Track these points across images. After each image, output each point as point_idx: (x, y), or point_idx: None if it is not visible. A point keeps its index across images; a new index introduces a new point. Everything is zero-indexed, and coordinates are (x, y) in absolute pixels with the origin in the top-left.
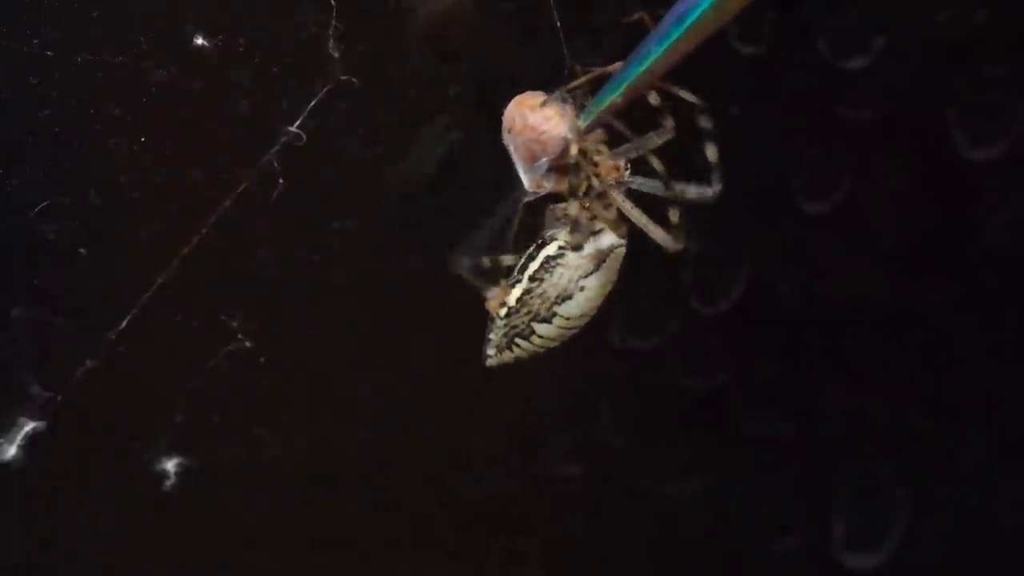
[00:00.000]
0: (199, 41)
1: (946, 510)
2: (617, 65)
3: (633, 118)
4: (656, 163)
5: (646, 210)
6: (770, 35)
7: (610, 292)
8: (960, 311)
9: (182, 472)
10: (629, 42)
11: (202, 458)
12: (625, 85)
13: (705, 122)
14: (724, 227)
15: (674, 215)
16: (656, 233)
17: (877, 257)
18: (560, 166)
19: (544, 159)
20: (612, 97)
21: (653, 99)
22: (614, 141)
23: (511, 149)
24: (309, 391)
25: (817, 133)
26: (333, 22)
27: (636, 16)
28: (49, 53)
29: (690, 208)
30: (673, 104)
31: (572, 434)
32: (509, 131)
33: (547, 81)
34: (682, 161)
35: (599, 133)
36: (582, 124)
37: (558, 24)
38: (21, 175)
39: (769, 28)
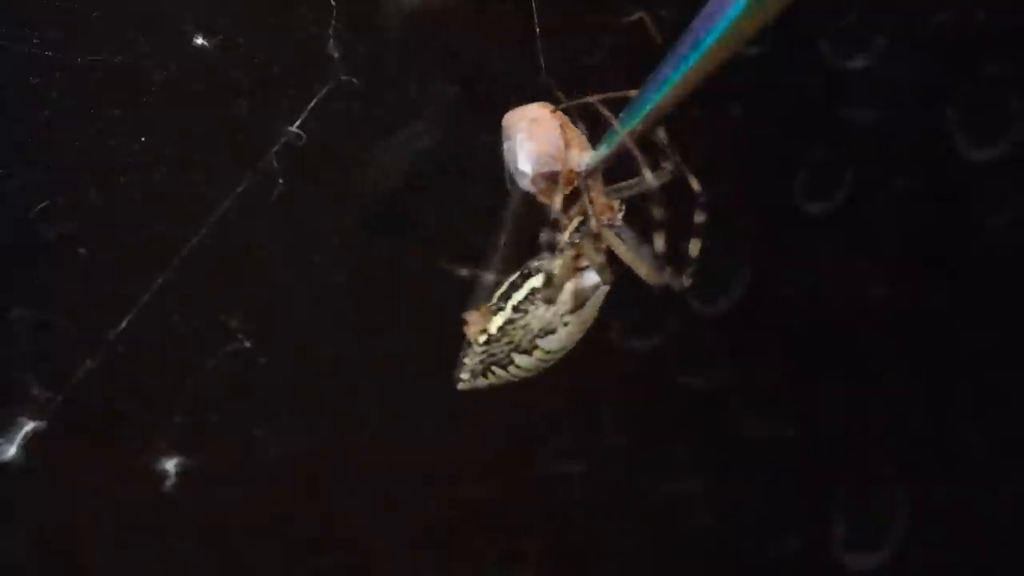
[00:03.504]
0: (199, 41)
1: (946, 510)
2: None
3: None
4: (658, 211)
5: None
6: (771, 35)
7: (588, 329)
8: (960, 311)
9: (182, 472)
10: (630, 42)
11: (202, 458)
12: (644, 114)
13: (699, 217)
14: (725, 227)
15: (695, 247)
16: (641, 269)
17: (877, 257)
18: (558, 180)
19: (548, 170)
20: (632, 125)
21: (661, 136)
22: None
23: (515, 141)
24: (309, 391)
25: (818, 133)
26: (333, 22)
27: (636, 16)
28: (49, 53)
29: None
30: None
31: (572, 434)
32: (524, 128)
33: (548, 82)
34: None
35: (598, 174)
36: (602, 154)
37: (536, 31)
38: (21, 175)
39: (770, 28)
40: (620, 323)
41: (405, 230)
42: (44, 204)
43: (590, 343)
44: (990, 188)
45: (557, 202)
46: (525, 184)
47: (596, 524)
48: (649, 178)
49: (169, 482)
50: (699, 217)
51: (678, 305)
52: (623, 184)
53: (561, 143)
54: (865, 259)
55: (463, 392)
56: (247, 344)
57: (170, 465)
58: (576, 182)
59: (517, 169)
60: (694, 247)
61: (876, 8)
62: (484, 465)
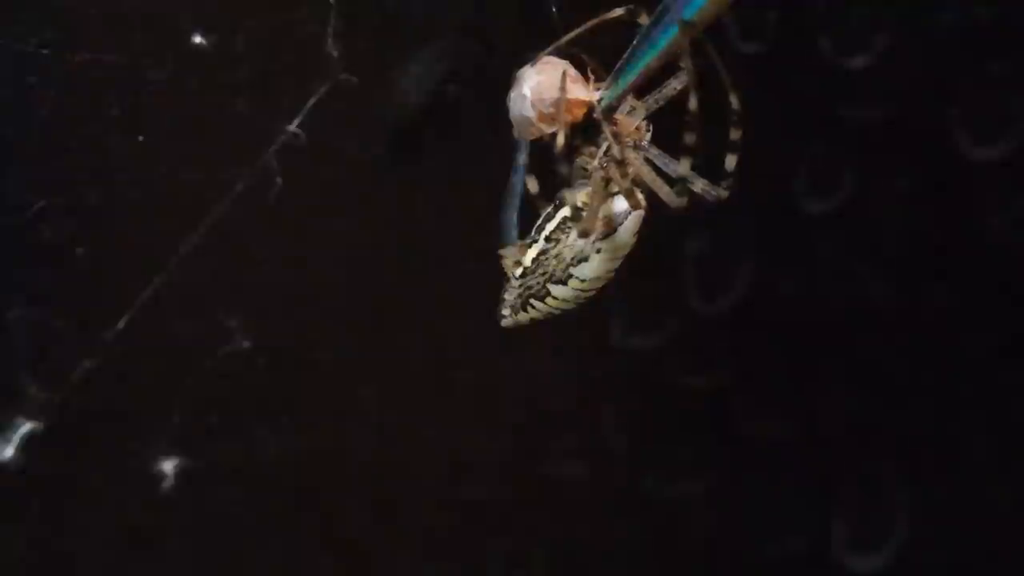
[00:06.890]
0: (197, 40)
1: (948, 512)
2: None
3: None
4: (689, 136)
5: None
6: (772, 33)
7: (626, 256)
8: (962, 311)
9: (180, 473)
10: (630, 38)
11: (200, 459)
12: (659, 48)
13: (734, 134)
14: (726, 226)
15: (731, 161)
16: (662, 190)
17: (879, 257)
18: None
19: (548, 96)
20: (646, 61)
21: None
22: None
23: (523, 74)
24: (308, 391)
25: (819, 132)
26: (332, 20)
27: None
28: (45, 52)
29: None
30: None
31: (573, 435)
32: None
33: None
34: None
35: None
36: (613, 95)
37: (554, 10)
38: (18, 175)
39: (771, 26)
40: (621, 323)
41: (405, 229)
42: (41, 204)
43: (592, 343)
44: (993, 188)
45: (561, 134)
46: (524, 107)
47: (597, 525)
48: (678, 81)
49: (168, 483)
50: (734, 134)
51: (680, 304)
52: (651, 95)
53: (563, 77)
54: (866, 259)
55: (507, 328)
56: (245, 344)
57: (168, 466)
58: (596, 115)
59: (516, 95)
60: (730, 161)
61: (878, 7)
62: (485, 466)
